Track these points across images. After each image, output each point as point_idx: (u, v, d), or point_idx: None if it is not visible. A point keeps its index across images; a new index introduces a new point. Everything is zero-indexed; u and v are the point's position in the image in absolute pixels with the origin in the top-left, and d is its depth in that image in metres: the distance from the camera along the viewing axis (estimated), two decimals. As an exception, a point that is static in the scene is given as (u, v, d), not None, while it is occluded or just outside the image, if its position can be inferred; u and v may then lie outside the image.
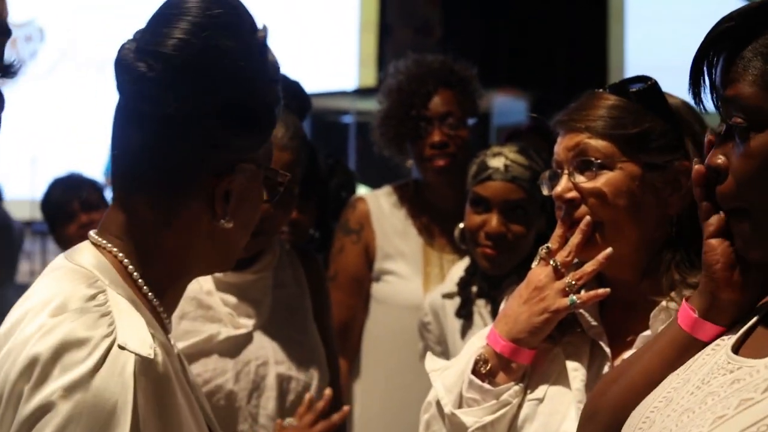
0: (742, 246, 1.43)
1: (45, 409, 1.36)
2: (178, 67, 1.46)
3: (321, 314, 2.77)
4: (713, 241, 1.48)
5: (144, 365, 1.39)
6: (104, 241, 1.55)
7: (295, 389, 2.58)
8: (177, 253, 1.55)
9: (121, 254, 1.53)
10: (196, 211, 1.53)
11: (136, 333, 1.42)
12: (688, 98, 1.51)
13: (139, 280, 1.53)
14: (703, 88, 1.44)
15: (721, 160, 1.42)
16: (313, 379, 2.62)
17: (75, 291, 1.45)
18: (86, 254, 1.54)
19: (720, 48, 1.41)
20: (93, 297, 1.44)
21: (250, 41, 1.53)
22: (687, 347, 1.53)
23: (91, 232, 1.58)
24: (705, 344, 1.52)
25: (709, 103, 1.45)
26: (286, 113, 2.43)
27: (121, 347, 1.39)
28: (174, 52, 1.46)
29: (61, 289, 1.46)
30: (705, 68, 1.42)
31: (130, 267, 1.53)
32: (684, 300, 1.57)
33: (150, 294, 1.54)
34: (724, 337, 1.47)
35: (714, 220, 1.48)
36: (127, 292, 1.49)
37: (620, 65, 7.75)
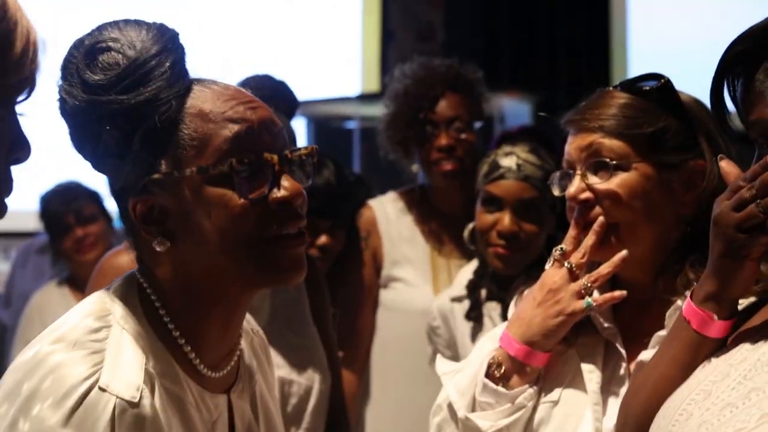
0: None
1: None
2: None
3: (320, 316, 2.76)
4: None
5: (124, 408, 1.37)
6: (138, 275, 1.53)
7: (297, 393, 2.57)
8: (176, 283, 1.50)
9: (149, 289, 1.51)
10: (145, 237, 1.49)
11: (124, 373, 1.40)
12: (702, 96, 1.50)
13: (165, 318, 1.50)
14: (727, 113, 1.43)
15: None
16: (314, 382, 2.62)
17: (81, 323, 1.44)
18: (120, 285, 1.53)
19: (734, 74, 1.40)
20: (95, 331, 1.43)
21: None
22: (699, 346, 1.54)
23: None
24: (718, 341, 1.52)
25: (736, 124, 1.44)
26: (276, 115, 2.41)
27: (102, 389, 1.37)
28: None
29: (71, 317, 1.46)
30: (726, 93, 1.42)
31: (157, 303, 1.50)
32: (689, 298, 1.57)
33: (175, 331, 1.50)
34: (766, 332, 1.46)
35: None
36: (138, 328, 1.46)
37: (623, 64, 7.74)
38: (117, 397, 1.37)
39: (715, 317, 1.53)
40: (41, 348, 1.40)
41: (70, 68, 1.44)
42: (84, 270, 3.91)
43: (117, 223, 4.25)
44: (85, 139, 1.47)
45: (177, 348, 1.49)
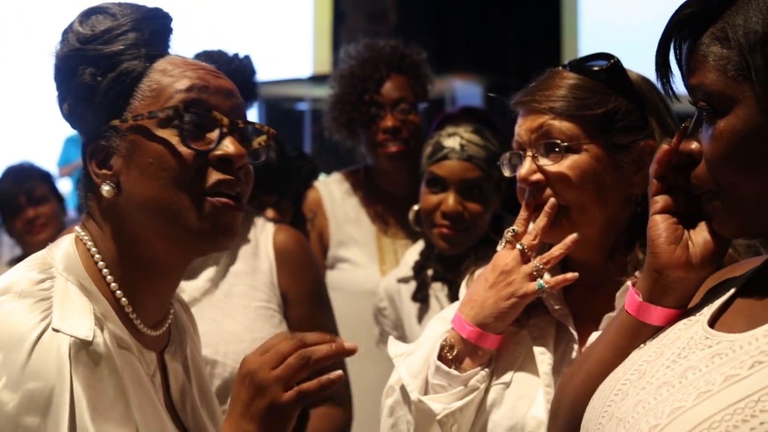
0: (717, 225, 1.44)
1: None
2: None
3: (304, 296, 2.66)
4: (657, 217, 1.49)
5: (79, 347, 1.40)
6: (81, 232, 1.57)
7: (220, 375, 2.45)
8: (117, 240, 1.55)
9: (90, 243, 1.55)
10: (95, 182, 1.54)
11: (75, 317, 1.43)
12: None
13: (104, 270, 1.53)
14: (671, 76, 1.44)
15: (694, 145, 1.42)
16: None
17: (24, 276, 1.47)
18: (62, 243, 1.56)
19: (681, 36, 1.41)
20: (39, 282, 1.46)
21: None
22: (636, 332, 1.53)
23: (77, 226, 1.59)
24: (655, 328, 1.51)
25: (678, 88, 1.45)
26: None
27: (56, 330, 1.40)
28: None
29: (14, 273, 1.49)
30: (671, 55, 1.43)
31: (97, 256, 1.54)
32: (630, 284, 1.56)
33: (113, 284, 1.53)
34: (697, 311, 1.46)
35: (661, 198, 1.49)
36: (81, 281, 1.50)
37: (574, 46, 7.78)
38: (71, 336, 1.40)
39: (640, 296, 1.52)
40: None
41: (67, 29, 1.56)
42: (36, 251, 3.88)
43: (69, 205, 4.24)
44: (65, 86, 1.56)
45: (116, 302, 1.53)
